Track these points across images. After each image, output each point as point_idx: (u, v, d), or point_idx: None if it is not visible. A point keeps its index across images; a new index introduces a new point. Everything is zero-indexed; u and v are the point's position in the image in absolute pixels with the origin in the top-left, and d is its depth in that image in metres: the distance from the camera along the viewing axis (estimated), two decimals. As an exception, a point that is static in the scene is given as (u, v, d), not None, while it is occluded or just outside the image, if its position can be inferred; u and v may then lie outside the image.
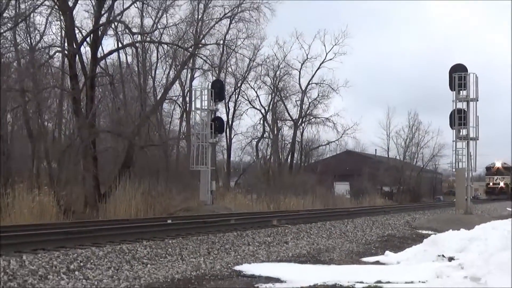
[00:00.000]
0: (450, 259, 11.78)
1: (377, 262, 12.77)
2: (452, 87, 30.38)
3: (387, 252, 14.00)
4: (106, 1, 30.29)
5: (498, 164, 73.67)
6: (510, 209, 40.15)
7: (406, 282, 9.47)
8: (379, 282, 9.52)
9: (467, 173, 30.39)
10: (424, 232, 19.36)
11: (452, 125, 30.96)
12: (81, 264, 9.90)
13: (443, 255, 12.23)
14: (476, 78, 30.51)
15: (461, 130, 30.52)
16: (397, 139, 70.58)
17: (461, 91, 30.34)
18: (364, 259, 13.31)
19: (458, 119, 30.24)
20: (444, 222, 21.86)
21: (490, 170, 75.34)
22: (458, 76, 30.06)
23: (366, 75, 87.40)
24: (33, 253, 10.50)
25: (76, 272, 9.39)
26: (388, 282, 9.47)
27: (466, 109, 30.42)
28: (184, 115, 44.43)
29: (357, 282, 9.47)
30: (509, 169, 71.75)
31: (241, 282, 9.88)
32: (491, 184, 73.29)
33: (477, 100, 30.60)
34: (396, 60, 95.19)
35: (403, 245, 15.63)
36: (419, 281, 9.48)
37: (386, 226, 20.92)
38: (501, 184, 71.50)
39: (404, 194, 64.78)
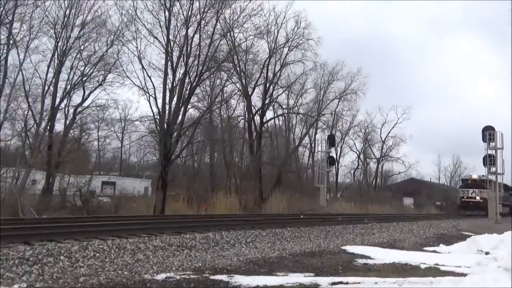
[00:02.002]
0: (487, 253, 10.30)
1: (434, 251, 11.54)
2: (484, 140, 29.09)
3: (441, 244, 12.61)
4: (268, 91, 31.49)
5: (475, 176, 39.76)
6: None
7: (455, 266, 8.46)
8: (437, 264, 8.62)
9: (496, 196, 28.28)
10: (466, 233, 17.17)
11: (484, 164, 30.25)
12: (253, 239, 10.07)
13: (481, 250, 10.76)
14: (501, 134, 28.49)
15: (491, 167, 28.87)
16: (445, 171, 65.90)
17: (490, 143, 28.45)
18: (425, 248, 12.09)
19: (489, 161, 29.25)
20: (480, 227, 19.22)
21: (466, 182, 41.35)
22: (488, 133, 28.42)
23: (424, 129, 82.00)
24: (227, 230, 10.67)
25: (250, 244, 9.58)
26: (443, 265, 8.53)
27: (494, 155, 29.06)
28: (311, 154, 44.96)
29: (421, 263, 8.65)
30: (487, 183, 34.84)
31: (345, 256, 9.45)
32: (465, 197, 38.85)
33: (502, 148, 28.95)
34: (444, 119, 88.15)
35: (451, 241, 13.99)
36: (465, 266, 8.42)
37: (439, 228, 18.91)
38: (477, 198, 37.63)
39: (450, 207, 58.65)
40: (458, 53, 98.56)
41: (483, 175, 36.80)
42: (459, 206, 38.86)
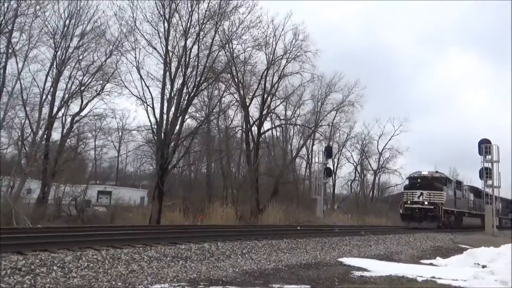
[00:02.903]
0: (484, 266, 10.25)
1: (431, 264, 11.46)
2: (480, 153, 29.13)
3: (437, 257, 12.53)
4: (266, 102, 31.59)
5: (425, 173, 27.44)
6: None
7: (452, 279, 8.39)
8: (433, 277, 8.54)
9: (493, 209, 28.22)
10: (463, 246, 17.09)
11: (481, 177, 29.62)
12: (249, 250, 9.97)
13: (478, 263, 10.70)
14: (497, 147, 28.72)
15: (487, 180, 28.90)
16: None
17: (487, 156, 28.55)
18: (422, 261, 12.00)
19: (485, 174, 28.98)
20: (477, 240, 19.16)
21: (413, 182, 27.34)
22: (485, 146, 28.52)
23: (421, 141, 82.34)
24: (223, 241, 10.55)
25: (246, 255, 9.48)
26: (440, 278, 8.45)
27: (491, 167, 28.85)
28: (308, 166, 44.92)
29: (418, 276, 8.56)
30: (442, 182, 26.51)
31: (342, 268, 9.37)
32: (409, 202, 26.03)
33: (499, 161, 28.79)
34: (441, 131, 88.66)
35: (448, 254, 13.91)
36: (462, 279, 8.35)
37: (436, 240, 18.82)
38: (425, 203, 25.34)
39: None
40: (455, 65, 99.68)
41: (436, 171, 27.88)
42: (402, 215, 26.35)
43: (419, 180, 26.60)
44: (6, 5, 20.21)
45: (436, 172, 28.23)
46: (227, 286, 6.51)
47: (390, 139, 51.22)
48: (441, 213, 24.97)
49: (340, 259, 10.58)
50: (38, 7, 21.09)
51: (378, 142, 51.89)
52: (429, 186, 25.84)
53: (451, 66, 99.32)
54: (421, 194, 25.66)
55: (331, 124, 41.30)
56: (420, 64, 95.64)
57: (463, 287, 7.77)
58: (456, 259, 11.91)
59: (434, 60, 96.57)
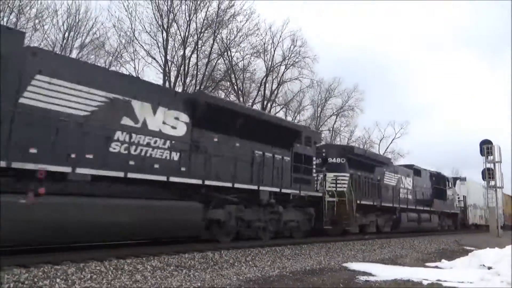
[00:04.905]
0: (489, 268, 10.16)
1: (436, 267, 11.37)
2: (482, 154, 28.67)
3: (443, 260, 12.43)
4: (266, 109, 31.64)
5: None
6: None
7: (458, 282, 8.32)
8: (439, 280, 8.48)
9: (497, 210, 28.09)
10: (468, 248, 16.97)
11: (483, 178, 29.19)
12: (252, 257, 9.93)
13: (483, 265, 10.62)
14: (499, 148, 28.67)
15: (490, 181, 28.67)
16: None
17: (488, 156, 28.49)
18: (427, 264, 11.91)
19: (488, 174, 28.51)
20: (482, 242, 19.04)
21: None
22: (486, 147, 28.56)
23: (422, 143, 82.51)
24: (226, 249, 10.38)
25: (250, 262, 9.43)
26: (445, 281, 8.39)
27: (493, 168, 28.54)
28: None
29: (424, 279, 8.50)
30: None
31: (347, 273, 9.31)
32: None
33: (501, 162, 28.45)
34: (442, 132, 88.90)
35: (453, 256, 13.80)
36: (468, 282, 8.29)
37: (440, 243, 18.69)
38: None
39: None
40: (456, 67, 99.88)
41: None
42: None
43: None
44: (5, 19, 20.42)
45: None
46: (231, 294, 6.47)
47: (391, 143, 51.30)
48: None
49: (344, 264, 10.51)
50: (37, 21, 21.32)
51: (379, 145, 51.97)
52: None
53: (452, 68, 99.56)
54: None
55: (331, 129, 41.52)
56: (418, 66, 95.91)
57: (469, 289, 7.73)
58: (462, 261, 11.83)
59: (434, 62, 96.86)
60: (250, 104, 30.60)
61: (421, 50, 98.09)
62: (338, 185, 16.39)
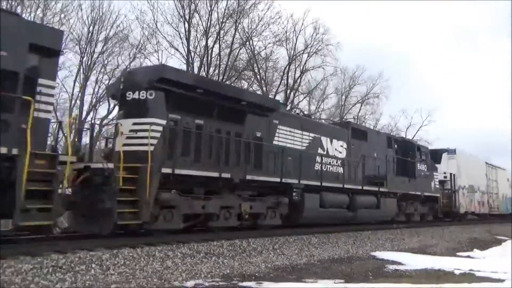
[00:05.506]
0: (524, 258, 9.87)
1: (468, 256, 11.14)
2: None
3: (475, 249, 12.16)
4: (289, 98, 31.44)
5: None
6: None
7: (491, 272, 8.14)
8: (472, 270, 8.31)
9: None
10: (501, 238, 16.49)
11: None
12: (280, 245, 9.98)
13: (518, 255, 10.29)
14: None
15: None
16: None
17: None
18: (458, 254, 11.69)
19: None
20: (516, 231, 18.47)
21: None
22: None
23: (451, 130, 79.90)
24: (253, 237, 10.18)
25: (277, 250, 9.50)
26: (478, 271, 8.22)
27: None
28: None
29: (455, 269, 8.35)
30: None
31: (375, 262, 9.25)
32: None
33: None
34: (472, 119, 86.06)
35: (486, 246, 13.46)
36: (502, 272, 8.07)
37: (472, 232, 18.22)
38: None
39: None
40: (487, 53, 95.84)
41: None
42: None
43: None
44: (32, 15, 21.00)
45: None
46: (260, 282, 6.54)
47: (418, 130, 49.77)
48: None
49: (373, 253, 10.44)
50: (63, 15, 21.81)
51: (406, 133, 50.49)
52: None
53: (484, 54, 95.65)
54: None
55: (356, 117, 40.87)
56: (449, 52, 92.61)
57: (503, 279, 7.51)
58: (495, 251, 11.56)
59: (463, 47, 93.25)
60: (273, 93, 30.51)
61: (451, 34, 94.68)
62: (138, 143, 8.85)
